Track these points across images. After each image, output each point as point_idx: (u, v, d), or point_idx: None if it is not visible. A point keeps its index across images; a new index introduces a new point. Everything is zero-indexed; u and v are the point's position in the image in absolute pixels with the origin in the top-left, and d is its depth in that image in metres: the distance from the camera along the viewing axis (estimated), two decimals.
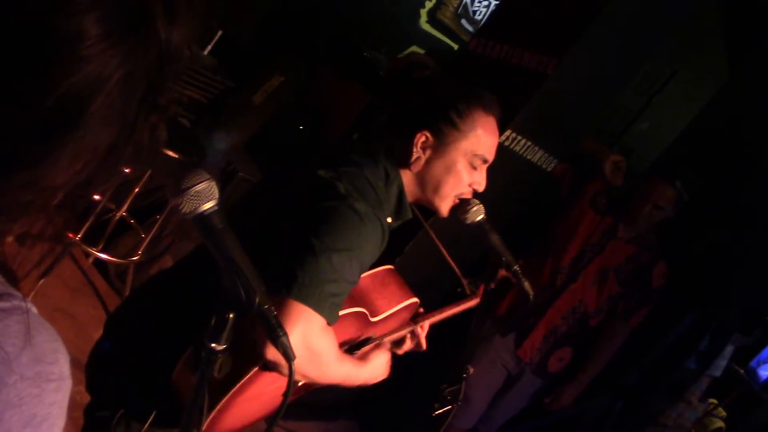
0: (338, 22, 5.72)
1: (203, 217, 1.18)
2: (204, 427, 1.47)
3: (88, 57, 0.56)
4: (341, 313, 1.56)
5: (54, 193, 0.62)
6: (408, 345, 2.09)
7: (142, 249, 3.72)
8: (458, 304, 2.22)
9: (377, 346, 1.97)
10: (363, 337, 1.93)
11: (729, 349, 4.13)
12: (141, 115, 0.64)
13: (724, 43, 3.94)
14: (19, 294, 0.64)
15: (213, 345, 1.17)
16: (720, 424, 4.11)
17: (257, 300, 1.17)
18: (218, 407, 1.48)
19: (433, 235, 2.14)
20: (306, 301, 1.39)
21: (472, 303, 2.30)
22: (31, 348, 0.61)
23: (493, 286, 2.27)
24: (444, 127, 1.74)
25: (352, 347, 1.91)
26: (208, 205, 1.18)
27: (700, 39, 3.84)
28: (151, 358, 1.56)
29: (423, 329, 2.11)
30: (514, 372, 3.49)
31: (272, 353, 1.35)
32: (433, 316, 2.16)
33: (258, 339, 1.35)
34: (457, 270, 2.13)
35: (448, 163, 1.75)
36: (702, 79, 4.08)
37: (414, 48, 6.27)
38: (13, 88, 0.54)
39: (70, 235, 3.45)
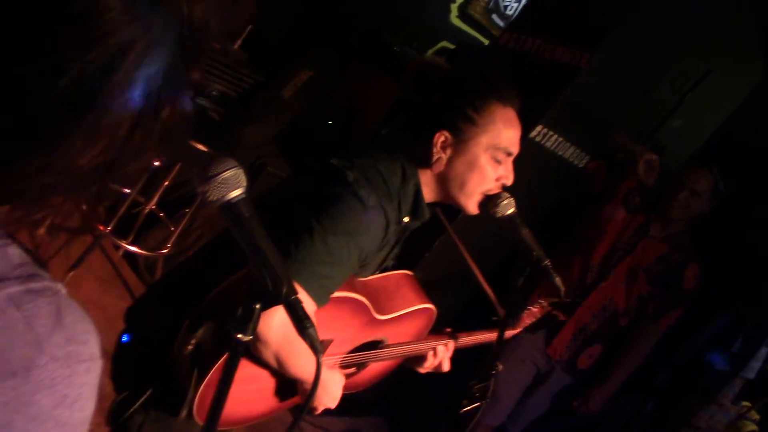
0: (369, 16, 5.70)
1: (230, 205, 1.16)
2: (196, 407, 1.47)
3: (107, 33, 0.55)
4: (337, 295, 1.56)
5: (75, 176, 0.60)
6: (430, 363, 2.05)
7: (171, 242, 3.74)
8: (492, 332, 2.17)
9: (360, 366, 1.95)
10: (372, 338, 1.90)
11: (763, 351, 4.04)
12: (164, 95, 0.62)
13: (760, 42, 3.86)
14: (48, 275, 0.63)
15: (239, 336, 1.16)
16: (753, 427, 4.02)
17: (284, 290, 1.15)
18: (205, 382, 1.47)
19: (465, 252, 2.10)
20: (297, 277, 1.39)
21: (507, 334, 2.26)
22: (62, 328, 0.61)
23: (534, 319, 2.24)
24: (462, 124, 1.72)
25: (361, 346, 1.89)
26: (235, 193, 1.16)
27: (736, 36, 3.76)
28: (166, 345, 1.56)
29: (447, 349, 2.07)
30: (544, 369, 3.46)
31: (259, 325, 1.34)
32: (461, 338, 2.11)
33: None
34: (492, 296, 2.08)
35: (470, 160, 1.73)
36: (737, 77, 3.99)
37: (444, 43, 6.24)
38: (27, 69, 0.53)
39: (101, 228, 3.47)
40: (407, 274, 2.05)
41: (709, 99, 3.96)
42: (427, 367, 2.06)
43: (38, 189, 0.58)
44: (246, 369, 1.56)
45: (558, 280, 1.95)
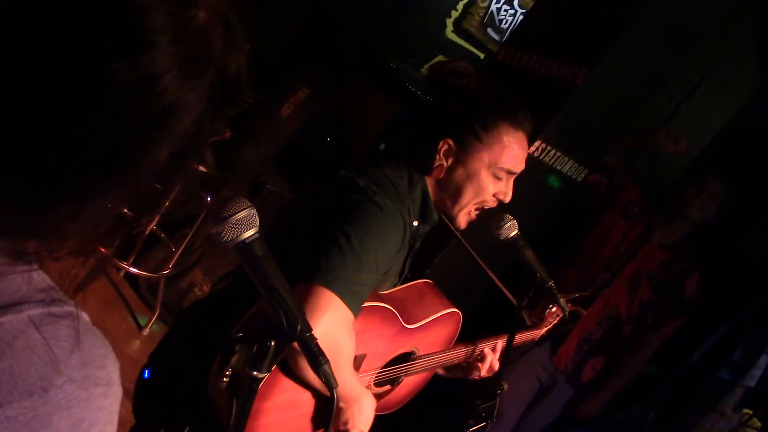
0: (365, 33, 5.71)
1: (244, 245, 1.17)
2: None
3: (158, 97, 0.56)
4: (367, 305, 1.57)
5: (96, 220, 0.62)
6: (480, 369, 2.08)
7: (172, 263, 3.74)
8: (521, 333, 2.19)
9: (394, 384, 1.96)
10: (403, 350, 1.91)
11: (764, 359, 4.05)
12: (190, 150, 0.64)
13: (755, 50, 3.88)
14: (71, 301, 0.66)
15: (255, 373, 1.17)
16: None
17: (299, 327, 1.16)
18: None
19: (474, 254, 2.12)
20: (332, 286, 1.42)
21: (535, 333, 2.27)
22: (80, 352, 0.62)
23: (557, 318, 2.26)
24: (467, 137, 1.74)
25: (393, 361, 1.89)
26: (249, 233, 1.18)
27: (731, 45, 3.79)
28: (189, 378, 1.57)
29: (495, 351, 2.09)
30: (546, 383, 3.47)
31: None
32: (496, 339, 2.12)
33: None
34: (512, 299, 2.09)
35: (469, 173, 1.75)
36: (733, 86, 4.02)
37: (440, 58, 6.24)
38: (74, 125, 0.54)
39: (102, 249, 3.47)
40: (428, 283, 2.06)
41: (705, 107, 3.98)
42: (478, 374, 2.09)
43: (62, 232, 0.61)
44: (286, 395, 1.57)
45: (562, 301, 1.97)
